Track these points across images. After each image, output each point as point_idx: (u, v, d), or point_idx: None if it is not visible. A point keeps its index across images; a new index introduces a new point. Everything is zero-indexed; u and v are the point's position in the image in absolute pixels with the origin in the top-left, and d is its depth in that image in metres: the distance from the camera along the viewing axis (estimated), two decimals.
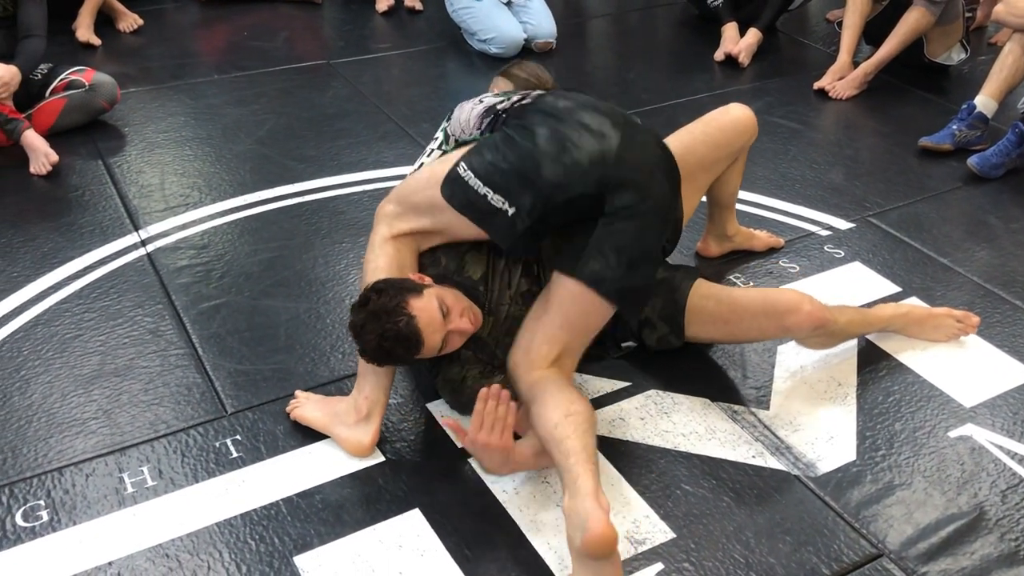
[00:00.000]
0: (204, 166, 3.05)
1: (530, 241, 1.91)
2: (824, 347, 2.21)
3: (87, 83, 3.15)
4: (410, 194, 1.99)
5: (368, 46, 4.11)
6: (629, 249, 1.85)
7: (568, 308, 1.88)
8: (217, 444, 1.94)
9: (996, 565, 1.75)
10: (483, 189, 1.86)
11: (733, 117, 2.33)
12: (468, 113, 2.09)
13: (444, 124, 2.18)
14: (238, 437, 1.96)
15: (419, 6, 4.52)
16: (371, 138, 3.27)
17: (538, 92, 2.07)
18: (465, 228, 1.92)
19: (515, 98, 2.04)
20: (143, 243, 2.62)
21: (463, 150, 1.96)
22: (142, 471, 1.87)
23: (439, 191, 1.91)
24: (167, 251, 2.59)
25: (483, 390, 1.78)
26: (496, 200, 1.85)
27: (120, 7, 4.15)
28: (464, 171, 1.88)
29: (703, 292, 2.10)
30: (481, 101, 2.09)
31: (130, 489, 1.83)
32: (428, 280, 1.91)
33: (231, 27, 4.29)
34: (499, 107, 2.04)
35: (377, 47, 4.11)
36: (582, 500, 1.60)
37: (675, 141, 2.29)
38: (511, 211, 1.84)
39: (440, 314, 1.81)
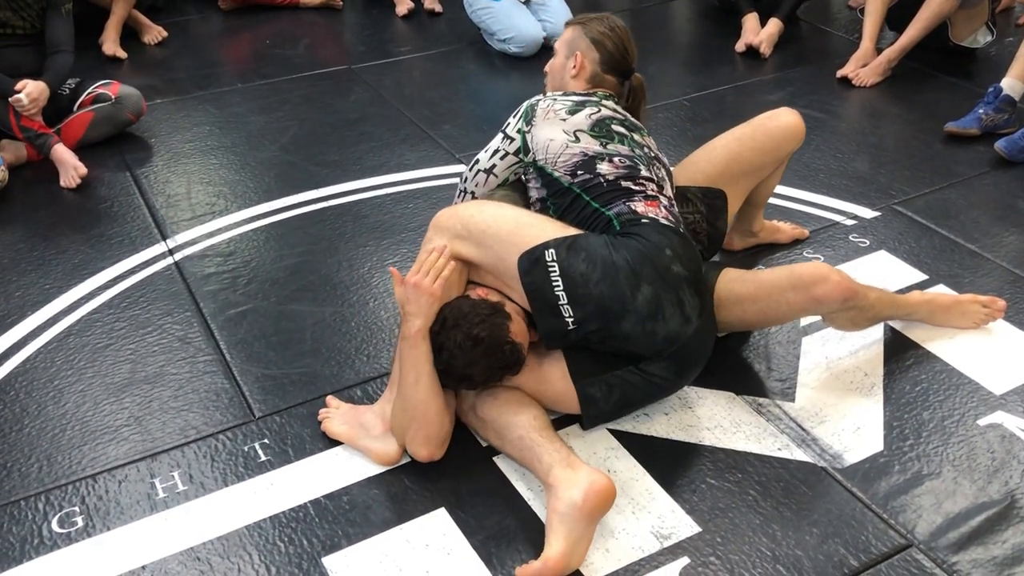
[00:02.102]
0: (229, 174, 3.10)
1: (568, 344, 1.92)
2: (854, 327, 2.16)
3: (113, 96, 3.20)
4: (484, 230, 1.90)
5: (389, 50, 4.14)
6: (635, 404, 1.98)
7: (545, 387, 1.92)
8: (246, 448, 1.97)
9: None
10: (560, 292, 1.83)
11: (782, 123, 2.33)
12: (559, 146, 2.01)
13: (520, 126, 2.08)
14: (266, 441, 1.99)
15: (439, 8, 4.54)
16: (393, 141, 3.29)
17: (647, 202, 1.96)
18: (519, 296, 1.90)
19: (610, 147, 1.99)
20: (171, 252, 2.66)
21: (553, 227, 1.91)
22: (173, 476, 1.91)
23: (516, 256, 1.86)
24: (194, 259, 2.63)
25: (430, 245, 1.91)
26: (565, 309, 1.84)
27: (145, 20, 4.22)
28: (551, 262, 1.84)
29: (730, 276, 2.09)
30: (573, 136, 2.00)
31: (161, 494, 1.86)
32: (496, 296, 1.92)
33: (254, 36, 4.34)
34: (592, 152, 1.99)
35: (398, 50, 4.13)
36: (570, 465, 1.72)
37: (723, 150, 2.30)
38: (572, 326, 1.85)
39: (526, 332, 1.87)
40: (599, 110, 2.07)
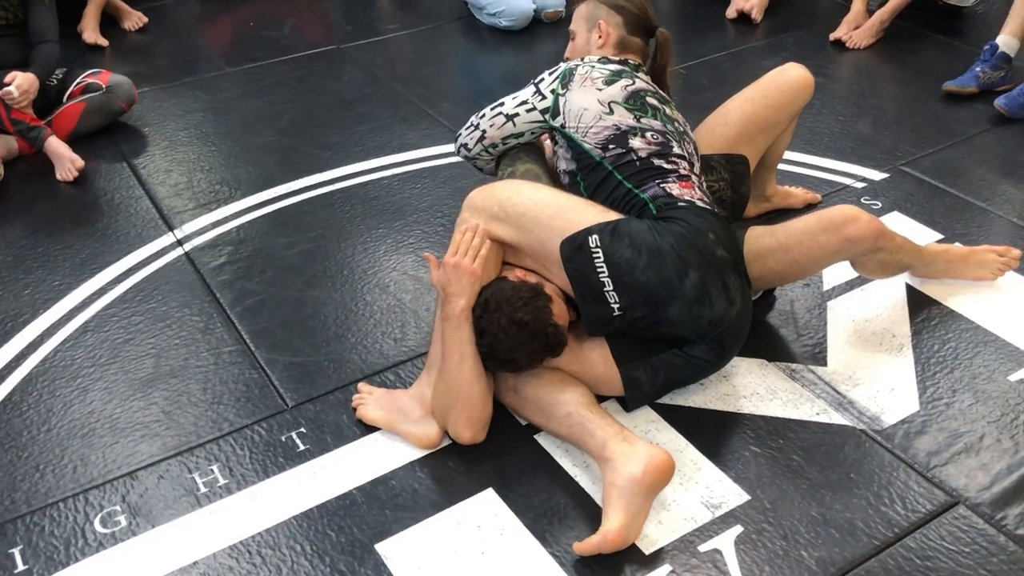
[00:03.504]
0: (229, 160, 3.04)
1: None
2: (882, 271, 2.17)
3: (104, 85, 3.13)
4: (524, 212, 1.88)
5: (377, 28, 4.08)
6: (677, 384, 1.99)
7: (587, 368, 1.90)
8: (283, 438, 1.95)
9: None
10: (605, 278, 1.81)
11: (791, 77, 2.32)
12: (592, 116, 1.99)
13: (555, 86, 2.06)
14: (303, 430, 1.97)
15: None
16: (393, 121, 3.25)
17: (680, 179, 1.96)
18: (560, 280, 1.88)
19: (644, 120, 1.98)
20: (179, 243, 2.61)
21: (587, 206, 1.91)
22: (212, 470, 1.88)
23: (557, 241, 1.84)
24: (205, 249, 2.58)
25: (464, 225, 1.89)
26: (611, 295, 1.82)
27: (124, 6, 4.11)
28: (595, 248, 1.81)
29: (757, 233, 2.07)
30: (607, 107, 1.99)
31: (203, 489, 1.83)
32: (534, 278, 1.90)
33: (235, 18, 4.26)
34: (625, 126, 1.97)
35: (386, 28, 4.07)
36: (627, 440, 1.73)
37: (738, 112, 2.29)
38: (617, 312, 1.83)
39: (567, 314, 1.86)
40: (634, 82, 2.05)
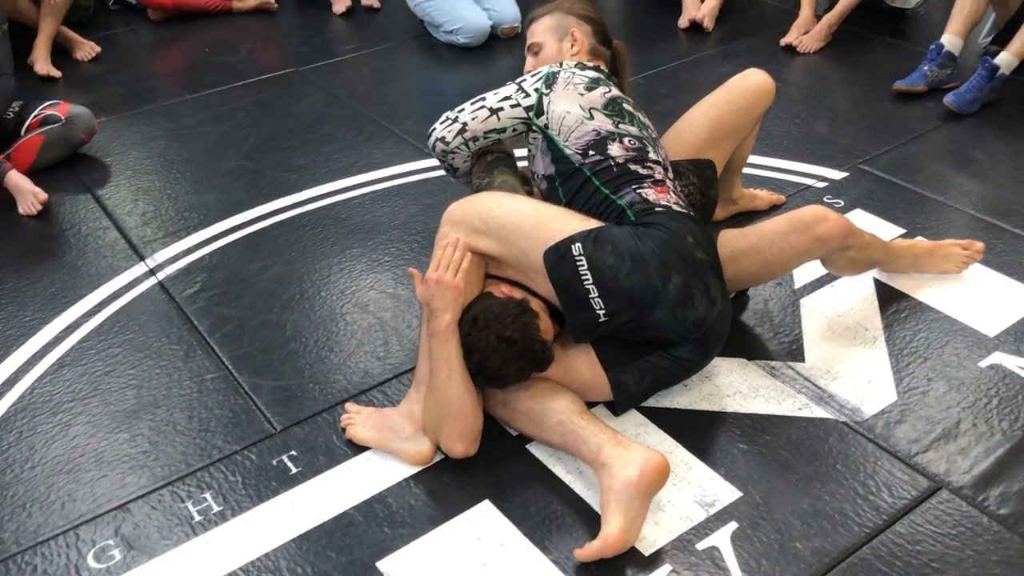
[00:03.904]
0: (196, 187, 3.02)
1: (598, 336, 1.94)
2: (852, 268, 2.24)
3: (63, 117, 3.09)
4: (505, 224, 1.90)
5: (334, 49, 4.08)
6: (663, 385, 2.02)
7: (573, 377, 1.93)
8: (274, 462, 1.94)
9: None
10: (590, 286, 1.84)
11: (753, 82, 2.37)
12: (574, 120, 2.03)
13: (539, 86, 2.09)
14: (293, 453, 1.96)
15: (377, 3, 4.49)
16: (358, 140, 3.26)
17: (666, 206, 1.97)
18: (543, 290, 1.91)
19: (622, 126, 2.03)
20: (152, 272, 2.58)
21: (563, 213, 1.94)
22: (205, 498, 1.86)
23: (541, 251, 1.86)
24: (178, 277, 2.56)
25: (444, 240, 1.91)
26: (596, 302, 1.84)
27: (75, 36, 4.06)
28: (579, 256, 1.84)
29: (729, 235, 2.13)
30: (588, 112, 2.02)
31: (197, 517, 1.82)
32: (520, 293, 1.92)
33: (190, 45, 4.23)
34: (604, 131, 2.01)
35: (343, 49, 4.08)
36: (622, 444, 1.75)
37: (704, 117, 2.34)
38: (603, 318, 1.86)
39: (552, 328, 1.89)
40: (610, 89, 2.09)
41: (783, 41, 3.85)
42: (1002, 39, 3.37)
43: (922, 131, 3.14)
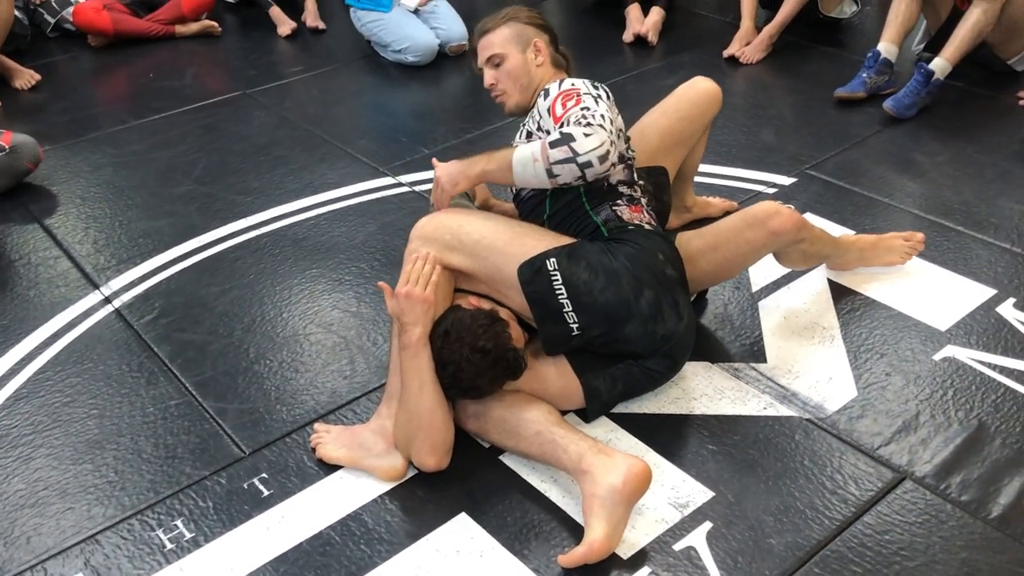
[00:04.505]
0: (148, 213, 2.97)
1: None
2: (804, 262, 2.30)
3: (7, 146, 3.02)
4: (478, 240, 1.92)
5: (281, 71, 4.07)
6: (633, 393, 2.05)
7: (544, 386, 1.95)
8: (245, 486, 1.92)
9: (1005, 468, 1.88)
10: (564, 300, 1.86)
11: (702, 89, 2.42)
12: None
13: (593, 85, 2.01)
14: (264, 475, 1.94)
15: (322, 25, 4.48)
16: (311, 161, 3.24)
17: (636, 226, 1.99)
18: (518, 304, 1.92)
19: (630, 151, 2.03)
20: (107, 300, 2.54)
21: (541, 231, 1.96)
22: (176, 525, 1.83)
23: (515, 266, 1.88)
24: (135, 304, 2.52)
25: (414, 255, 1.90)
26: (570, 316, 1.87)
27: (13, 64, 3.98)
28: (553, 271, 1.87)
29: (686, 237, 2.18)
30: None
31: (169, 545, 1.79)
32: (488, 304, 1.93)
33: (133, 70, 4.18)
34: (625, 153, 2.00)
35: (291, 71, 4.06)
36: (604, 452, 1.76)
37: (653, 126, 2.37)
38: (576, 331, 1.89)
39: (523, 337, 1.90)
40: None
41: (726, 52, 3.94)
42: (934, 45, 3.49)
43: (864, 136, 3.24)
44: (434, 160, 2.07)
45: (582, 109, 1.90)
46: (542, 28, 2.22)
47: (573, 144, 1.84)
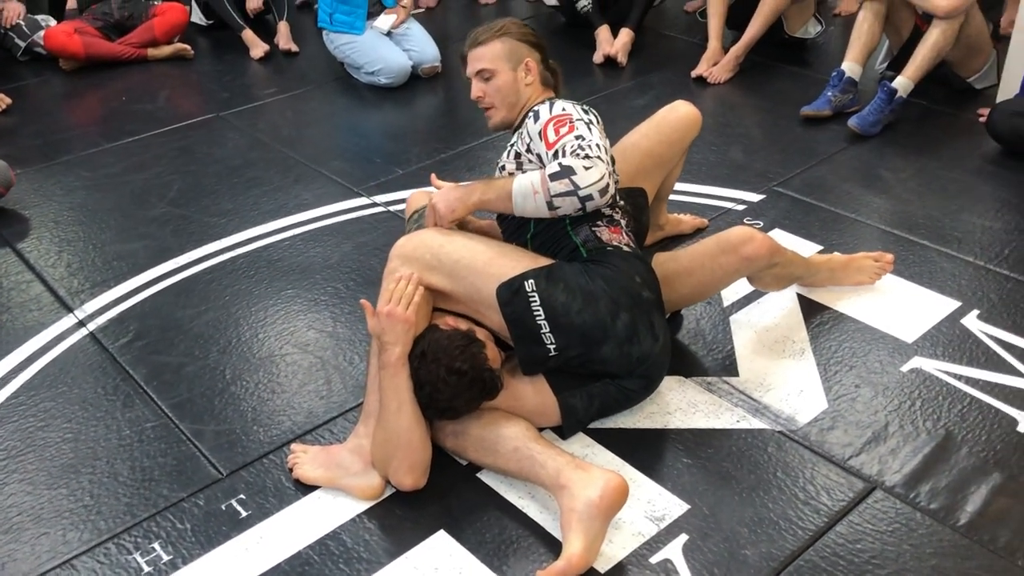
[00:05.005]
0: (122, 236, 2.97)
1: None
2: (777, 284, 2.34)
3: None
4: (458, 260, 1.94)
5: (254, 93, 4.08)
6: (609, 410, 2.07)
7: (520, 403, 1.97)
8: (223, 507, 1.92)
9: (971, 476, 1.92)
10: (542, 321, 1.88)
11: (681, 114, 2.46)
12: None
13: (583, 109, 2.03)
14: (242, 496, 1.94)
15: (295, 47, 4.50)
16: (286, 183, 3.26)
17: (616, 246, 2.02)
18: (496, 324, 1.94)
19: (615, 174, 2.00)
20: (82, 323, 2.53)
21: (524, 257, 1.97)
22: (153, 548, 1.83)
23: (493, 287, 1.90)
24: (110, 327, 2.51)
25: (396, 274, 1.91)
26: (547, 337, 1.89)
27: None
28: (532, 292, 1.89)
29: (661, 259, 2.22)
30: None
31: (146, 568, 1.78)
32: (465, 324, 1.94)
33: (106, 93, 4.17)
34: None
35: (264, 93, 4.08)
36: (581, 467, 1.78)
37: (634, 148, 2.40)
38: (553, 352, 1.91)
39: (499, 356, 1.91)
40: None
41: (694, 73, 4.00)
42: (897, 64, 3.58)
43: (830, 153, 3.30)
44: (433, 176, 2.09)
45: (577, 138, 1.93)
46: (534, 46, 2.19)
47: (574, 177, 1.87)
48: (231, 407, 2.20)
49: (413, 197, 2.49)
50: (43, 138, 3.69)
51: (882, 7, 3.49)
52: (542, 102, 2.10)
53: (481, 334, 1.93)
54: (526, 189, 1.91)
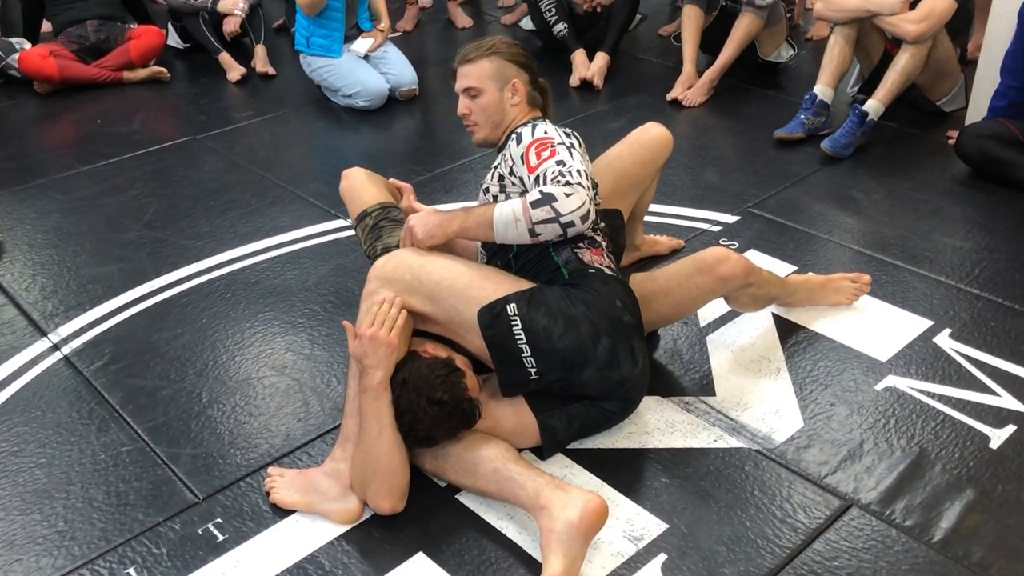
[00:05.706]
0: (97, 259, 2.95)
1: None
2: (754, 305, 2.36)
3: None
4: (439, 281, 1.94)
5: (231, 116, 4.08)
6: (588, 431, 2.08)
7: (499, 426, 1.97)
8: (199, 531, 1.90)
9: (945, 492, 1.95)
10: (523, 345, 1.89)
11: (654, 135, 2.49)
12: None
13: (565, 134, 2.05)
14: (219, 520, 1.93)
15: (272, 70, 4.51)
16: (263, 205, 3.25)
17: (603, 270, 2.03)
18: (476, 347, 1.95)
19: (597, 197, 2.03)
20: (56, 347, 2.51)
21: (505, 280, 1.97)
22: (129, 573, 1.81)
23: (474, 310, 1.91)
24: (85, 350, 2.49)
25: (379, 296, 1.90)
26: (528, 360, 1.90)
27: None
28: (513, 316, 1.90)
29: (638, 280, 2.24)
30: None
31: None
32: (445, 351, 1.94)
33: (80, 116, 4.16)
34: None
35: (240, 116, 4.08)
36: (560, 487, 1.78)
37: (609, 169, 2.41)
38: (533, 376, 1.92)
39: (477, 383, 1.92)
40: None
41: (669, 96, 4.05)
42: (868, 88, 3.64)
43: (803, 175, 3.35)
44: (412, 197, 2.07)
45: (558, 163, 1.94)
46: (523, 66, 2.18)
47: (555, 204, 1.88)
48: (207, 430, 2.19)
49: (352, 176, 2.39)
50: (17, 161, 3.67)
51: (853, 32, 3.56)
52: (526, 124, 2.12)
53: (460, 361, 1.93)
54: (507, 217, 1.93)
